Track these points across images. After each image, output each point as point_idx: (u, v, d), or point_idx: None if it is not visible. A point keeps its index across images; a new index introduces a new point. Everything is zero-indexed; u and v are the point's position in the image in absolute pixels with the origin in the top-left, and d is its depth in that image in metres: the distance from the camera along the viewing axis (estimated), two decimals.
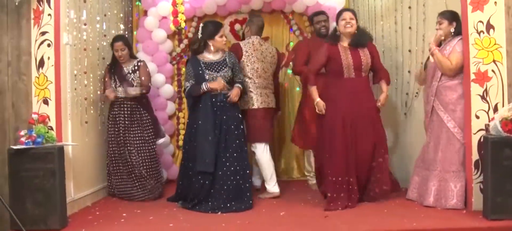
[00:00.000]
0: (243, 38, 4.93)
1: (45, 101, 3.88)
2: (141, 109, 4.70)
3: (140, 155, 4.60)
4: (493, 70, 3.67)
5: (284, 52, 5.78)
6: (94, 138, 4.62)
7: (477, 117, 3.68)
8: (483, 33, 3.67)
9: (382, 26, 5.08)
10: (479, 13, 3.68)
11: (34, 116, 3.75)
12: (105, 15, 4.84)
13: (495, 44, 3.67)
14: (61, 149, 3.67)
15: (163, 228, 3.61)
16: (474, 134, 3.69)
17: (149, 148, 4.67)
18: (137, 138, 4.63)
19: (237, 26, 5.77)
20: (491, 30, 3.67)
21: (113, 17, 5.07)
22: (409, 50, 4.59)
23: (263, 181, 4.77)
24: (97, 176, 4.68)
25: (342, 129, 4.09)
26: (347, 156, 4.07)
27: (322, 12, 5.03)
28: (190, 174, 4.22)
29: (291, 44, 5.80)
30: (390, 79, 4.40)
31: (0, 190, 3.74)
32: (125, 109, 4.63)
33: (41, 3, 3.87)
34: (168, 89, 5.56)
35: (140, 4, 5.67)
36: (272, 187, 4.57)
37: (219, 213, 3.98)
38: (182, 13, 5.13)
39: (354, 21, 4.20)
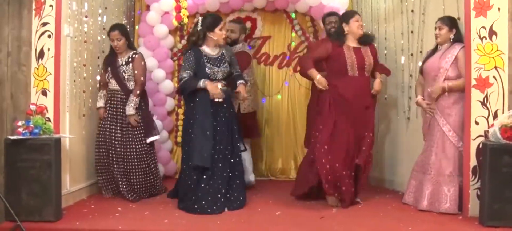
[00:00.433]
0: (233, 44, 4.96)
1: (44, 93, 3.87)
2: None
3: (126, 152, 4.36)
4: (494, 77, 3.65)
5: (284, 52, 5.78)
6: (92, 131, 4.60)
7: (477, 123, 3.67)
8: (486, 39, 3.66)
9: (385, 28, 5.06)
10: (482, 19, 3.67)
11: (32, 107, 3.74)
12: (106, 8, 4.82)
13: (497, 50, 3.65)
14: (58, 141, 3.66)
15: (158, 223, 3.60)
16: (473, 140, 3.67)
17: (136, 146, 4.39)
18: (126, 134, 4.38)
19: None
20: (494, 36, 3.66)
21: (115, 11, 5.06)
22: (411, 54, 4.56)
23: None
24: (93, 169, 4.66)
25: (345, 124, 4.10)
26: (347, 151, 4.08)
27: (334, 13, 5.00)
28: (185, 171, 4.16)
29: (293, 44, 5.80)
30: (389, 71, 4.45)
31: None
32: (116, 102, 4.43)
33: None
34: (168, 85, 5.54)
35: None
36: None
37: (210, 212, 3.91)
38: (185, 8, 5.12)
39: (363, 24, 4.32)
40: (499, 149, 3.44)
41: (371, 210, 4.01)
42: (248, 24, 5.75)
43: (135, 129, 4.41)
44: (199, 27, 4.19)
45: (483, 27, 3.66)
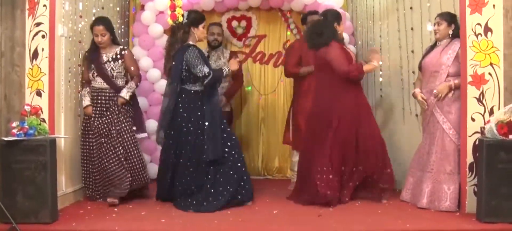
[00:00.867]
0: (219, 45, 5.20)
1: (38, 93, 3.84)
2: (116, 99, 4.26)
3: (109, 148, 4.17)
4: (490, 73, 3.66)
5: (280, 51, 5.78)
6: None
7: (473, 120, 3.68)
8: (481, 35, 3.67)
9: (380, 26, 5.06)
10: (477, 16, 3.67)
11: (27, 108, 3.71)
12: (102, 8, 4.79)
13: (492, 47, 3.66)
14: (53, 142, 3.63)
15: (155, 223, 3.58)
16: (470, 136, 3.68)
17: (127, 139, 4.20)
18: (117, 130, 4.19)
19: (235, 23, 5.75)
20: (489, 33, 3.67)
21: (109, 11, 5.02)
22: (412, 51, 4.56)
23: None
24: None
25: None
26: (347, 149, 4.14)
27: (315, 12, 5.00)
28: (179, 169, 4.15)
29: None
30: None
31: None
32: (105, 99, 4.25)
33: None
34: (164, 85, 5.49)
35: None
36: None
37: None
38: (180, 7, 5.08)
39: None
40: (495, 145, 3.44)
41: (368, 207, 4.01)
42: (243, 23, 5.74)
43: (125, 123, 4.23)
44: (185, 21, 4.20)
45: (479, 24, 3.67)
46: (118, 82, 4.28)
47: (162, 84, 5.49)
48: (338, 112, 4.13)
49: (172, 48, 4.22)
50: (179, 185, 4.14)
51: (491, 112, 3.65)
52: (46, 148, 3.52)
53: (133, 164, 4.22)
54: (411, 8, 4.57)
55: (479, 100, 3.68)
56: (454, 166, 3.84)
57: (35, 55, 3.84)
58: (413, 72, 4.49)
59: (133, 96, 4.41)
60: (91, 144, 4.23)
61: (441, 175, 3.88)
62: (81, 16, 4.36)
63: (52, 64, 3.87)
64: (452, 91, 3.89)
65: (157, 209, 4.03)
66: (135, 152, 4.25)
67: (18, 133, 3.55)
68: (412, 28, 4.56)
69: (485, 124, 3.63)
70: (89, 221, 3.63)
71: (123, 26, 5.46)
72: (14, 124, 3.61)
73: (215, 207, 3.92)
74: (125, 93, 4.24)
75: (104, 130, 4.19)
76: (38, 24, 3.84)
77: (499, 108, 3.64)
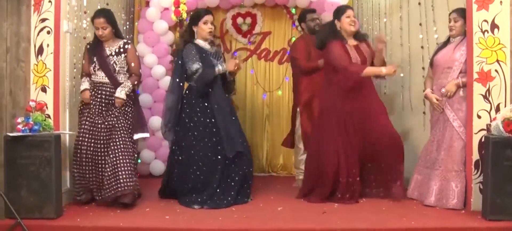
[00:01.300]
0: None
1: (43, 89, 3.85)
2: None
3: (108, 147, 3.98)
4: (496, 70, 3.64)
5: (285, 48, 5.77)
6: None
7: (479, 117, 3.65)
8: (488, 32, 3.64)
9: (385, 23, 5.04)
10: (484, 12, 3.65)
11: (32, 103, 3.71)
12: (107, 4, 4.78)
13: (499, 44, 3.64)
14: (57, 137, 3.64)
15: (159, 220, 3.58)
16: (475, 133, 3.66)
17: (121, 141, 3.97)
18: (113, 129, 4.00)
19: (240, 20, 5.74)
20: (496, 29, 3.64)
21: (114, 7, 5.01)
22: (422, 47, 4.50)
23: None
24: None
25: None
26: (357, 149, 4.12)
27: (313, 10, 5.00)
28: (187, 167, 4.14)
29: (293, 39, 5.77)
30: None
31: None
32: (105, 95, 4.06)
33: None
34: (168, 81, 5.50)
35: None
36: None
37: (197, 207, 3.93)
38: (184, 3, 5.09)
39: (356, 19, 4.21)
40: (501, 142, 3.42)
41: (373, 205, 4.00)
42: (248, 20, 5.73)
43: (121, 123, 4.03)
44: (186, 20, 4.24)
45: (485, 21, 3.64)
46: (120, 79, 4.10)
47: (167, 80, 5.48)
48: (348, 110, 4.11)
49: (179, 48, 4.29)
50: (186, 182, 4.12)
51: (497, 109, 3.62)
52: (51, 144, 3.53)
53: (118, 171, 3.88)
54: (419, 3, 4.51)
55: (485, 97, 3.65)
56: (462, 164, 3.81)
57: (40, 51, 3.85)
58: (423, 68, 4.45)
59: (133, 96, 4.21)
60: (98, 141, 3.99)
61: (449, 172, 3.84)
62: (86, 12, 4.36)
63: (57, 60, 3.88)
64: (462, 89, 3.84)
65: (161, 206, 4.03)
66: (124, 160, 3.92)
67: (23, 128, 3.56)
68: (420, 24, 4.50)
69: (491, 121, 3.60)
70: (94, 217, 3.64)
71: (128, 23, 5.46)
72: (19, 120, 3.61)
73: (223, 204, 3.94)
74: (119, 92, 4.01)
75: (108, 127, 4.02)
76: (43, 20, 3.85)
77: (505, 106, 3.62)
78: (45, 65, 3.86)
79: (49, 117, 3.80)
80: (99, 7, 4.59)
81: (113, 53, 4.09)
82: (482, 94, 3.65)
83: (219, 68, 4.14)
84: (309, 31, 4.97)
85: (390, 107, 5.02)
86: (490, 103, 3.65)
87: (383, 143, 4.06)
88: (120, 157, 3.91)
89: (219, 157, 4.06)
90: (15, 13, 3.94)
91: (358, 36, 4.24)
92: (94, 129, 4.01)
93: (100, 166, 3.98)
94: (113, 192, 3.84)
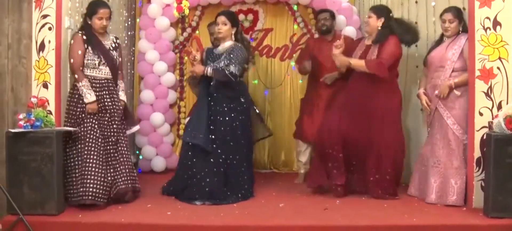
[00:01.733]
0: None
1: (45, 85, 3.85)
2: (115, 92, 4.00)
3: (114, 147, 3.94)
4: (498, 68, 3.63)
5: (286, 44, 5.76)
6: None
7: (481, 114, 3.65)
8: (490, 29, 3.64)
9: None
10: (486, 9, 3.64)
11: (33, 100, 3.71)
12: (108, 1, 4.78)
13: (501, 41, 3.63)
14: (59, 134, 3.64)
15: (160, 216, 3.58)
16: (477, 131, 3.66)
17: (123, 140, 4.00)
18: (117, 129, 3.95)
19: (241, 17, 5.72)
20: (498, 27, 3.63)
21: (116, 3, 5.02)
22: (416, 45, 4.52)
23: None
24: None
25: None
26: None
27: (325, 10, 4.99)
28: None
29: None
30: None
31: None
32: (108, 92, 3.93)
33: None
34: (170, 78, 5.51)
35: None
36: None
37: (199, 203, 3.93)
38: (187, 0, 5.08)
39: (372, 19, 4.16)
40: (503, 139, 3.42)
41: (375, 201, 4.00)
42: (250, 17, 5.73)
43: (121, 121, 4.00)
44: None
45: (487, 18, 3.63)
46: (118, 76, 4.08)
47: (169, 77, 5.50)
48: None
49: None
50: (193, 179, 4.10)
51: (499, 106, 3.62)
52: (53, 140, 3.53)
53: (123, 168, 3.95)
54: (416, 2, 4.52)
55: (487, 94, 3.65)
56: (460, 161, 3.83)
57: (41, 47, 3.85)
58: (417, 66, 4.47)
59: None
60: (107, 142, 3.89)
61: (449, 169, 3.86)
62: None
63: (58, 56, 3.88)
64: (455, 88, 3.85)
65: (163, 202, 4.03)
66: (126, 158, 4.00)
67: (24, 124, 3.57)
68: (416, 22, 4.48)
69: (493, 118, 3.60)
70: (95, 213, 3.64)
71: (129, 19, 5.45)
72: (20, 116, 3.62)
73: (225, 201, 3.96)
74: (123, 95, 4.09)
75: (114, 129, 3.94)
76: (44, 17, 3.84)
77: (507, 103, 3.61)
78: (47, 61, 3.85)
79: (50, 113, 3.80)
80: None
81: (111, 48, 3.99)
82: (484, 92, 3.64)
83: (208, 69, 4.16)
84: (318, 30, 5.01)
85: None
86: (492, 100, 3.64)
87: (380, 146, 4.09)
88: (125, 157, 4.00)
89: (217, 153, 4.08)
90: (17, 9, 3.94)
91: (377, 37, 4.16)
92: (100, 128, 3.87)
93: (111, 166, 3.91)
94: (126, 187, 3.93)
